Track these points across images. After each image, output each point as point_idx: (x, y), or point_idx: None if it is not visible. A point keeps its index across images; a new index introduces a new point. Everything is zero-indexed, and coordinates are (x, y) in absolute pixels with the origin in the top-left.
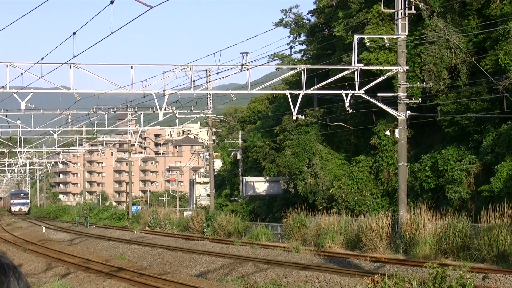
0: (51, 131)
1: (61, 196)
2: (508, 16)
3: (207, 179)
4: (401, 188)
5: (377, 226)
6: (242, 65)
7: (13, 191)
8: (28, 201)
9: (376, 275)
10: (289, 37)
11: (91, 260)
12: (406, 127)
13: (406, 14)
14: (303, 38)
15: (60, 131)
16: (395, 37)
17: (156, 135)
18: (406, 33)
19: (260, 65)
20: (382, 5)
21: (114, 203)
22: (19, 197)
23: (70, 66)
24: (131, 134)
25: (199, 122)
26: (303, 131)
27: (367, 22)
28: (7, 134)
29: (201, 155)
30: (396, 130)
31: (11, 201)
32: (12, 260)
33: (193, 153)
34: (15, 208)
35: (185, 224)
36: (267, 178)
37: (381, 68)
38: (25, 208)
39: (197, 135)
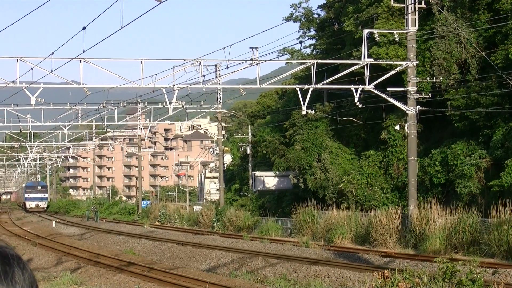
0: (61, 126)
1: (71, 190)
2: None
3: (216, 174)
4: (410, 183)
5: (387, 221)
6: (251, 59)
7: (28, 183)
8: (47, 195)
9: (385, 270)
10: (298, 31)
11: (101, 255)
12: (415, 121)
13: (416, 9)
14: (312, 32)
15: (70, 125)
16: (405, 31)
17: (166, 130)
18: (416, 27)
19: (270, 60)
20: (392, 0)
21: (124, 198)
22: (35, 191)
23: (80, 61)
24: (141, 129)
25: (208, 117)
26: (313, 125)
27: (377, 17)
28: (18, 129)
29: (211, 149)
30: (406, 125)
31: (26, 196)
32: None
33: (202, 148)
34: (30, 204)
35: (194, 218)
36: (277, 172)
37: (390, 62)
38: (43, 204)
39: (206, 129)
